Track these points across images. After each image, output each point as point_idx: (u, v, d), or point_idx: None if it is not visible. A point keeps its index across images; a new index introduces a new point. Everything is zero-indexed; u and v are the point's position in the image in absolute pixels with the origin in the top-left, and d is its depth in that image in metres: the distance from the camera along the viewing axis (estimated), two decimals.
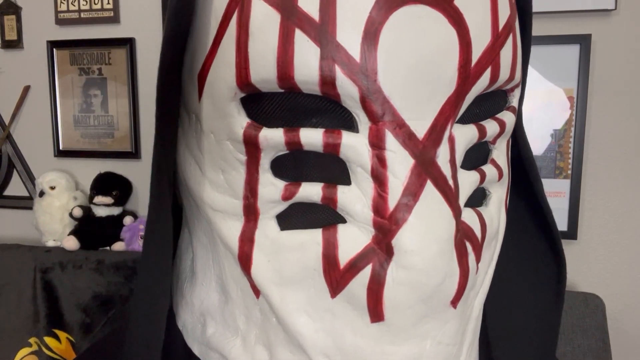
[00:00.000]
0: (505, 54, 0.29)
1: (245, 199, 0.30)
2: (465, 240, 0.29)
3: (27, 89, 1.63)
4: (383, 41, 0.25)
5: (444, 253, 0.26)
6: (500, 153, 0.33)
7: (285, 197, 0.29)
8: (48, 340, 1.32)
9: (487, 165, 0.32)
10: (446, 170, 0.27)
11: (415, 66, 0.26)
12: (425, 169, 0.26)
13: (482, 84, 0.28)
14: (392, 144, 0.26)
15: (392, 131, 0.26)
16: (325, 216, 0.29)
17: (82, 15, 1.53)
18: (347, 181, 0.28)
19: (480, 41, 0.28)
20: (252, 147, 0.29)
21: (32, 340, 1.35)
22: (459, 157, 0.28)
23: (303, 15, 0.26)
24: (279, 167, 0.29)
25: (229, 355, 0.33)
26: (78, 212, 1.47)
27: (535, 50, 1.28)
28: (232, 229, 0.31)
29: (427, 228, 0.26)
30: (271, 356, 0.31)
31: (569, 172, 1.29)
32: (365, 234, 0.28)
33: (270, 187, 0.29)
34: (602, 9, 1.22)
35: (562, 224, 1.28)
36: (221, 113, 0.29)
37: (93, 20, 1.52)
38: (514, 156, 0.37)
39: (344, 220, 0.28)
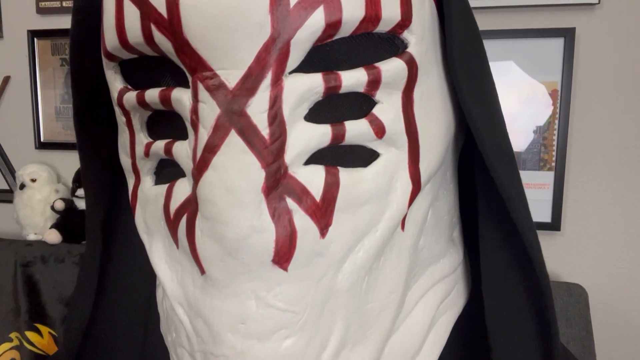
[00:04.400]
0: None
1: (132, 158, 0.33)
2: (287, 197, 0.27)
3: (6, 80, 1.59)
4: None
5: (243, 205, 0.25)
6: (388, 108, 0.29)
7: (146, 154, 0.31)
8: (29, 334, 1.30)
9: (356, 121, 0.28)
10: (259, 120, 0.26)
11: (217, 16, 0.25)
12: (230, 118, 0.26)
13: (313, 26, 0.26)
14: (203, 95, 0.26)
15: (203, 82, 0.26)
16: (180, 171, 0.30)
17: (64, 4, 1.50)
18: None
19: None
20: (124, 109, 0.31)
21: (12, 335, 1.32)
22: (290, 107, 0.26)
23: None
24: (153, 127, 0.32)
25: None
26: (60, 205, 1.45)
27: (519, 44, 1.29)
28: (130, 185, 0.34)
29: (222, 178, 0.25)
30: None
31: (553, 164, 1.30)
32: (190, 184, 0.28)
33: (141, 146, 0.32)
34: (586, 3, 1.23)
35: (545, 215, 1.29)
36: (108, 81, 0.33)
37: None
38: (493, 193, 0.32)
39: None
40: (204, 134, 0.26)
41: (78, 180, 1.47)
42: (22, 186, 1.48)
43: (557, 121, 1.29)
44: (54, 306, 1.33)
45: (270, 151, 0.26)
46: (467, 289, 0.39)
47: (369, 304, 0.30)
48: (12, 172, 1.62)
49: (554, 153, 1.30)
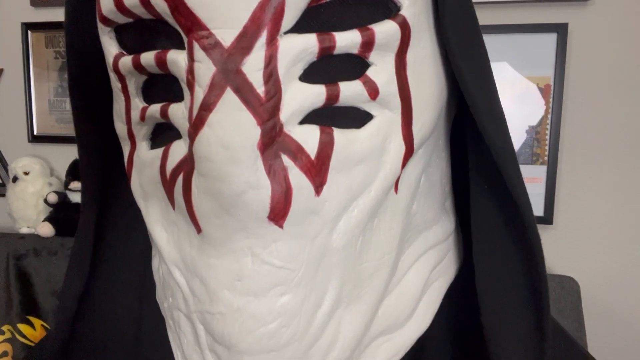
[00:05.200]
0: None
1: (127, 124, 0.33)
2: (283, 154, 0.27)
3: (0, 72, 1.58)
4: None
5: (239, 161, 0.25)
6: (381, 70, 0.29)
7: (141, 118, 0.32)
8: (22, 327, 1.29)
9: (350, 82, 0.28)
10: (254, 78, 0.26)
11: None
12: (226, 76, 0.26)
13: None
14: (198, 54, 0.26)
15: (199, 41, 0.26)
16: (176, 134, 0.30)
17: None
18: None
19: None
20: (120, 74, 0.32)
21: (5, 327, 1.31)
22: (285, 67, 0.27)
23: None
24: (148, 93, 0.32)
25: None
26: (53, 198, 1.44)
27: (512, 39, 1.30)
28: (126, 152, 0.35)
29: (218, 134, 0.26)
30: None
31: (546, 158, 1.31)
32: (186, 144, 0.28)
33: (136, 111, 0.32)
34: None
35: (538, 209, 1.30)
36: (104, 47, 0.33)
37: None
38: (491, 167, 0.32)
39: None
40: (200, 93, 0.26)
41: (72, 173, 1.46)
42: (15, 179, 1.47)
43: (549, 115, 1.30)
44: (47, 299, 1.33)
45: (266, 109, 0.26)
46: (459, 259, 0.39)
47: (363, 264, 0.31)
48: (4, 165, 1.61)
49: (547, 147, 1.31)
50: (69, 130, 1.55)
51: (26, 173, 1.47)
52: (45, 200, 1.45)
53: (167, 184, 0.30)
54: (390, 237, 0.31)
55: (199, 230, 0.29)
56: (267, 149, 0.26)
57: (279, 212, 0.27)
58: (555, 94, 1.29)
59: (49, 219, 1.43)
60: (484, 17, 1.29)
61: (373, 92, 0.29)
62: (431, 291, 0.35)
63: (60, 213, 1.44)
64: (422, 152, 0.33)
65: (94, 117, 0.38)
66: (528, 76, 1.31)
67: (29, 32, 1.53)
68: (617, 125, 1.27)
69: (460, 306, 0.37)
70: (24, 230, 1.47)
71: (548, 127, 1.31)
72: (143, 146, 0.33)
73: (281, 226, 0.27)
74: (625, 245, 1.29)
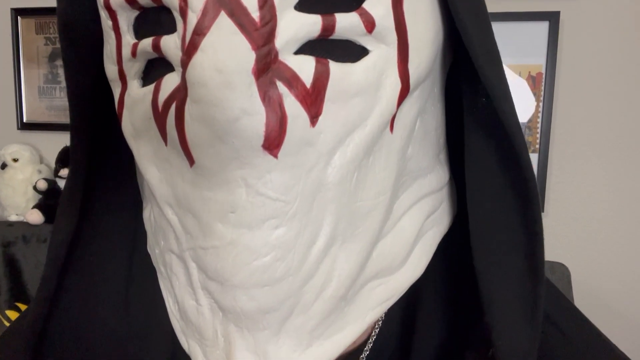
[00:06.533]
0: None
1: (118, 64, 0.32)
2: (278, 81, 0.26)
3: None
4: None
5: (233, 86, 0.25)
6: (377, 3, 0.29)
7: (132, 54, 0.31)
8: (10, 313, 1.28)
9: (346, 13, 0.28)
10: (249, 3, 0.25)
11: None
12: (220, 1, 0.25)
13: None
14: None
15: None
16: (168, 68, 0.29)
17: None
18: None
19: None
20: (111, 11, 0.31)
21: None
22: None
23: None
24: (140, 29, 0.31)
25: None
26: (43, 185, 1.43)
27: (504, 27, 1.30)
28: (117, 94, 0.33)
29: (212, 59, 0.25)
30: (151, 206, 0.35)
31: (537, 146, 1.32)
32: (178, 74, 0.28)
33: (127, 47, 0.31)
34: None
35: None
36: None
37: None
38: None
39: None
40: (194, 18, 0.26)
41: (62, 161, 1.45)
42: (4, 166, 1.45)
43: (541, 104, 1.31)
44: (35, 286, 1.31)
45: (261, 34, 0.26)
46: (453, 211, 0.39)
47: (358, 202, 0.30)
48: None
49: (538, 135, 1.32)
50: (59, 117, 1.54)
51: (15, 160, 1.46)
52: (35, 188, 1.44)
53: (159, 117, 0.29)
54: (385, 177, 0.31)
55: (192, 162, 0.28)
56: (262, 75, 0.26)
57: (273, 141, 0.26)
58: (546, 82, 1.30)
59: (38, 206, 1.42)
60: None
61: (369, 24, 0.28)
62: (425, 239, 0.35)
63: (50, 200, 1.43)
64: (417, 95, 0.32)
65: (85, 65, 0.37)
66: (520, 64, 1.32)
67: (18, 17, 1.52)
68: (608, 113, 1.28)
69: (453, 259, 0.37)
70: (13, 217, 1.46)
71: (540, 115, 1.31)
72: (134, 84, 0.32)
73: (276, 156, 0.27)
74: (614, 233, 1.30)
